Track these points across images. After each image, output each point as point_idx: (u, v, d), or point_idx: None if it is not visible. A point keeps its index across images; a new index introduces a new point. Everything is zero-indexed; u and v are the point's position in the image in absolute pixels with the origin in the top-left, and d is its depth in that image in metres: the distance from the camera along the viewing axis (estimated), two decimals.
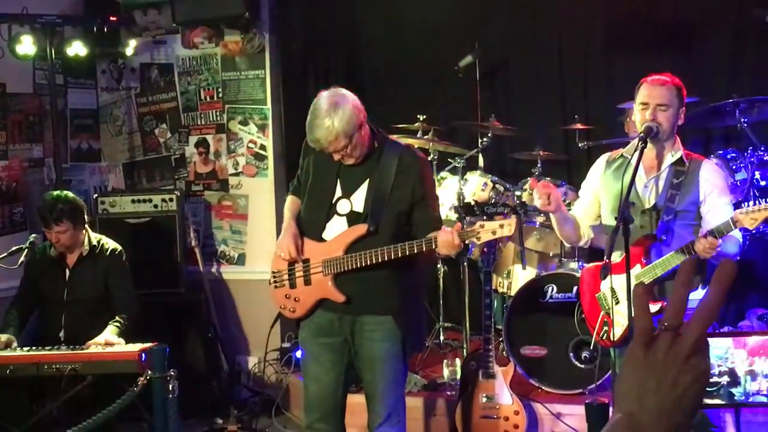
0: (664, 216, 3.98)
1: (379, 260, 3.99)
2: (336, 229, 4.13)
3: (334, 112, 3.90)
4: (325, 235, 4.15)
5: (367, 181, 4.11)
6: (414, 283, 4.30)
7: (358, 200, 4.11)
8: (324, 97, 3.98)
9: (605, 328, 4.03)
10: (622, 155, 4.23)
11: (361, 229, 4.05)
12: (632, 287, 3.88)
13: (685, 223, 3.98)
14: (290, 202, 4.40)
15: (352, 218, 4.11)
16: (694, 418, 1.10)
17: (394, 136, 6.46)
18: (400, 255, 3.96)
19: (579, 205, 4.38)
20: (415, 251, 3.98)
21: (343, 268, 4.07)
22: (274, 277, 4.34)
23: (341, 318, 4.17)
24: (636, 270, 3.95)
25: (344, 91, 4.06)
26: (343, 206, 4.13)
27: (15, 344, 4.99)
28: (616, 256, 3.97)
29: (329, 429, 4.30)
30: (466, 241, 3.99)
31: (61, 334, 5.21)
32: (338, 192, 4.14)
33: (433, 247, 3.94)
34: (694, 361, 1.08)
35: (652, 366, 1.09)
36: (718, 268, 1.09)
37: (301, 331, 4.34)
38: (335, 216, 4.14)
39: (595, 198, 4.30)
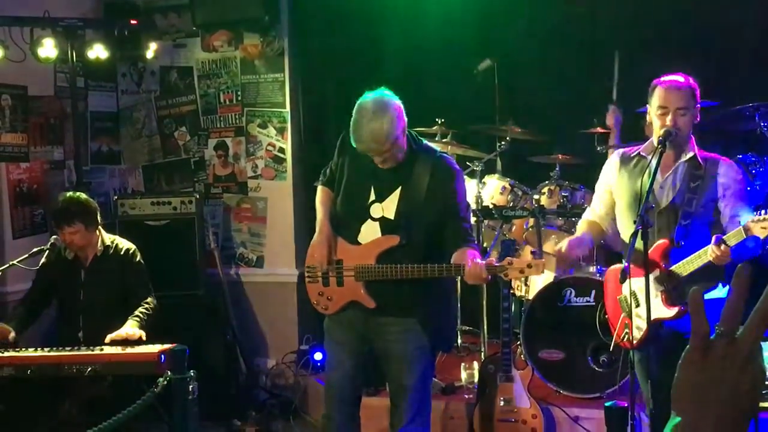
0: (681, 221, 3.96)
1: (409, 276, 4.05)
2: (369, 233, 4.17)
3: (382, 115, 3.94)
4: (359, 238, 4.20)
5: (399, 189, 4.13)
6: (444, 288, 4.36)
7: (390, 207, 4.13)
8: (370, 100, 4.01)
9: (626, 330, 4.02)
10: (638, 153, 4.19)
11: (393, 240, 4.10)
12: (651, 290, 3.88)
13: (702, 222, 3.96)
14: (323, 194, 4.42)
15: (384, 225, 4.14)
16: (750, 420, 1.10)
17: None
18: (429, 275, 4.02)
19: (596, 204, 4.37)
20: (444, 274, 4.06)
21: (374, 277, 4.13)
22: (308, 272, 4.38)
23: (368, 318, 4.23)
24: (655, 274, 3.94)
25: (389, 93, 4.09)
26: (376, 211, 4.16)
27: (12, 334, 5.02)
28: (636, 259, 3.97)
29: (343, 418, 4.36)
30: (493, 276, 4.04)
31: (80, 335, 5.24)
32: (372, 196, 4.16)
33: (462, 275, 3.97)
34: (750, 366, 1.09)
35: (709, 371, 1.09)
36: None
37: (327, 319, 4.41)
38: (369, 220, 4.17)
39: (611, 195, 4.28)
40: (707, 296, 3.87)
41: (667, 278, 3.93)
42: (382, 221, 4.14)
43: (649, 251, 3.88)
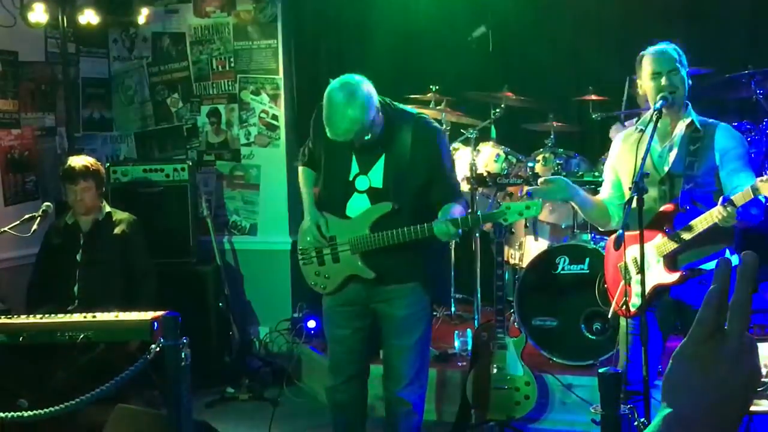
0: (684, 185, 3.93)
1: (406, 240, 4.01)
2: (358, 205, 4.15)
3: (353, 103, 3.85)
4: (348, 212, 4.17)
5: (383, 157, 4.09)
6: (440, 246, 4.33)
7: (377, 176, 4.11)
8: (337, 90, 3.90)
9: (625, 298, 3.99)
10: (638, 128, 4.16)
11: (386, 207, 4.07)
12: (653, 257, 3.87)
13: (705, 191, 3.93)
14: (305, 175, 4.42)
15: (373, 194, 4.11)
16: (743, 417, 1.09)
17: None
18: (427, 234, 3.98)
19: (605, 187, 4.34)
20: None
21: (370, 247, 4.10)
22: (302, 254, 4.37)
23: (369, 289, 4.22)
24: (657, 240, 3.91)
25: (354, 77, 3.97)
26: (361, 183, 4.13)
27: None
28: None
29: (353, 391, 4.39)
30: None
31: (75, 289, 5.29)
32: (355, 169, 4.13)
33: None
34: (743, 361, 1.07)
35: (702, 364, 1.08)
36: (741, 264, 1.07)
37: (325, 299, 4.39)
38: (355, 193, 4.15)
39: (617, 177, 4.25)
40: (711, 265, 3.84)
41: (669, 243, 3.91)
42: (371, 191, 4.12)
43: (654, 216, 3.88)
